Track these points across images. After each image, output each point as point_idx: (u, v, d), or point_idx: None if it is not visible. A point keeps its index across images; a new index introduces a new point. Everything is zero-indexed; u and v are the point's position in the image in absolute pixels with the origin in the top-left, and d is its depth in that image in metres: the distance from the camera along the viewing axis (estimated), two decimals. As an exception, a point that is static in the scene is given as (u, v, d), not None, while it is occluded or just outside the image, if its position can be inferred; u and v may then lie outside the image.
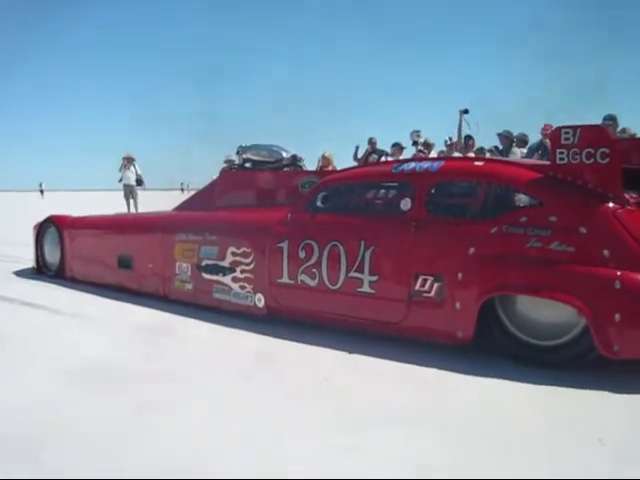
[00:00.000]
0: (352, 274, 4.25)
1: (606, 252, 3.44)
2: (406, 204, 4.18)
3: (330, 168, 8.92)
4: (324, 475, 2.42)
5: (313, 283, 4.45)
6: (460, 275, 3.80)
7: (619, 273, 3.36)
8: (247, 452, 2.63)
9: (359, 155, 11.62)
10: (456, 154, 9.46)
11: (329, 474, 2.42)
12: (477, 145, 9.88)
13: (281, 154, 6.55)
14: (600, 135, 3.65)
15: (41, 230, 7.10)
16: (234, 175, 6.80)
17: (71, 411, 3.08)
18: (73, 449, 2.66)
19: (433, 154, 9.93)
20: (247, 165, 6.57)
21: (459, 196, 4.29)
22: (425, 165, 4.36)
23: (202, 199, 6.42)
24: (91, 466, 2.50)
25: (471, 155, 8.96)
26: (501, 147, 9.32)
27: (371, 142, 11.38)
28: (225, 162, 11.47)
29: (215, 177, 8.01)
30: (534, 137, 9.10)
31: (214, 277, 5.12)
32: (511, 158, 7.95)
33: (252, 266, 4.84)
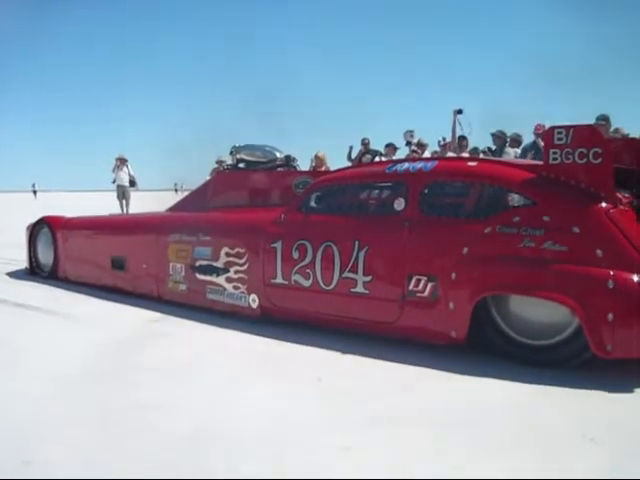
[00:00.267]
0: (346, 274, 4.25)
1: (599, 252, 3.45)
2: (400, 204, 4.19)
3: (323, 168, 8.94)
4: (320, 475, 2.42)
5: (307, 283, 4.45)
6: (454, 275, 3.81)
7: (612, 273, 3.37)
8: (240, 452, 2.63)
9: (353, 155, 11.65)
10: (450, 154, 9.48)
11: (324, 474, 2.42)
12: (471, 145, 9.91)
13: (275, 154, 6.55)
14: (593, 135, 3.66)
15: (34, 231, 7.08)
16: (228, 175, 6.80)
17: (62, 411, 3.07)
18: (61, 450, 2.65)
19: (427, 154, 9.95)
20: (241, 165, 6.56)
21: (453, 196, 4.29)
22: (418, 165, 4.37)
23: (196, 199, 6.41)
24: (80, 466, 2.50)
25: (465, 155, 8.98)
26: (494, 147, 9.34)
27: (364, 142, 11.41)
28: (216, 163, 11.48)
29: (208, 177, 8.01)
30: (527, 137, 9.14)
31: (208, 278, 5.12)
32: (504, 158, 7.96)
33: (246, 266, 4.84)
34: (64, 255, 6.70)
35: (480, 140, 10.09)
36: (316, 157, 9.59)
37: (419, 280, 3.95)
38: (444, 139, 10.55)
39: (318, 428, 2.88)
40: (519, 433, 2.82)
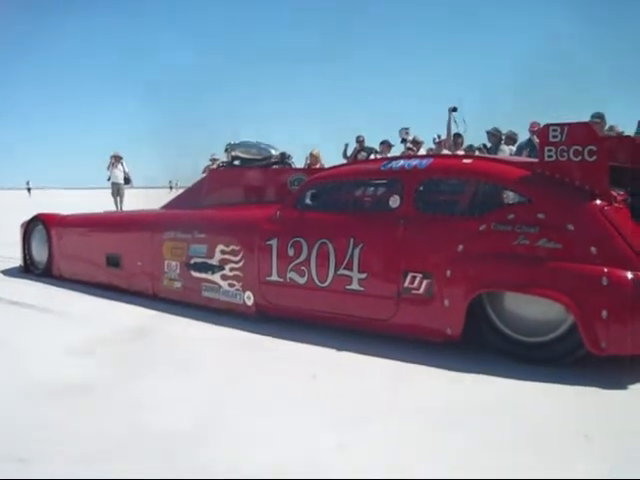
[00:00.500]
0: (341, 271, 4.25)
1: (593, 249, 3.46)
2: (395, 201, 4.19)
3: (318, 166, 8.93)
4: (314, 473, 2.42)
5: (302, 281, 4.45)
6: (449, 272, 3.81)
7: (606, 270, 3.38)
8: (236, 451, 2.63)
9: (348, 153, 11.65)
10: (445, 152, 9.48)
11: (319, 472, 2.42)
12: (466, 143, 9.91)
13: (270, 152, 6.53)
14: (588, 133, 3.67)
15: (29, 228, 7.05)
16: (223, 173, 6.78)
17: (60, 409, 3.07)
18: (57, 450, 2.65)
19: (422, 152, 9.95)
20: (236, 163, 6.55)
21: (448, 193, 4.29)
22: (414, 162, 4.37)
23: (191, 197, 6.40)
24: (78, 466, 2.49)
25: (460, 153, 8.98)
26: (489, 145, 9.35)
27: (359, 140, 11.41)
28: (210, 160, 11.47)
29: (203, 175, 7.99)
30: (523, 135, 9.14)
31: (203, 275, 5.11)
32: (499, 156, 7.97)
33: (241, 264, 4.83)
34: (59, 253, 6.68)
35: (475, 138, 10.10)
36: (311, 155, 9.59)
37: (414, 277, 3.96)
38: (439, 136, 10.56)
39: (313, 425, 2.88)
40: (515, 431, 2.82)
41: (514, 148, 8.94)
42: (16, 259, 7.43)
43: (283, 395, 3.29)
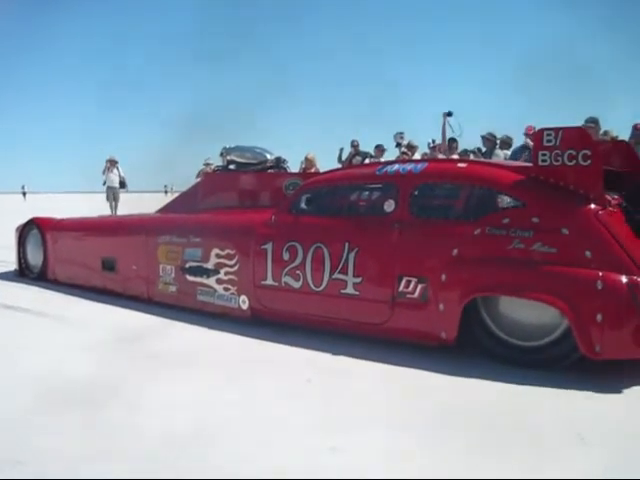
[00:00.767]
0: (336, 276, 4.25)
1: (588, 253, 3.47)
2: (390, 206, 4.20)
3: (313, 170, 8.94)
4: (309, 475, 2.42)
5: (297, 285, 4.45)
6: (443, 276, 3.82)
7: (601, 274, 3.39)
8: (233, 453, 2.63)
9: (343, 157, 11.67)
10: (440, 156, 9.50)
11: (314, 474, 2.42)
12: (461, 147, 9.94)
13: (265, 156, 6.54)
14: (582, 137, 3.68)
15: (24, 232, 7.03)
16: (218, 177, 6.78)
17: (56, 412, 3.05)
18: (56, 451, 2.64)
19: (417, 156, 9.97)
20: (231, 167, 6.55)
21: (442, 198, 4.30)
22: (408, 167, 4.38)
23: (186, 201, 6.40)
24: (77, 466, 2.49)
25: (455, 157, 9.00)
26: (484, 149, 9.37)
27: (353, 144, 11.43)
28: (204, 164, 11.48)
29: (198, 179, 7.99)
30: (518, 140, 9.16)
31: (198, 279, 5.10)
32: (494, 160, 7.98)
33: (236, 268, 4.83)
34: (54, 257, 6.66)
35: (470, 143, 10.14)
36: (306, 159, 9.59)
37: (409, 281, 3.96)
38: (434, 141, 10.59)
39: (308, 429, 2.87)
40: (512, 433, 2.83)
41: (509, 152, 8.96)
42: (11, 263, 7.41)
43: (277, 398, 3.28)
